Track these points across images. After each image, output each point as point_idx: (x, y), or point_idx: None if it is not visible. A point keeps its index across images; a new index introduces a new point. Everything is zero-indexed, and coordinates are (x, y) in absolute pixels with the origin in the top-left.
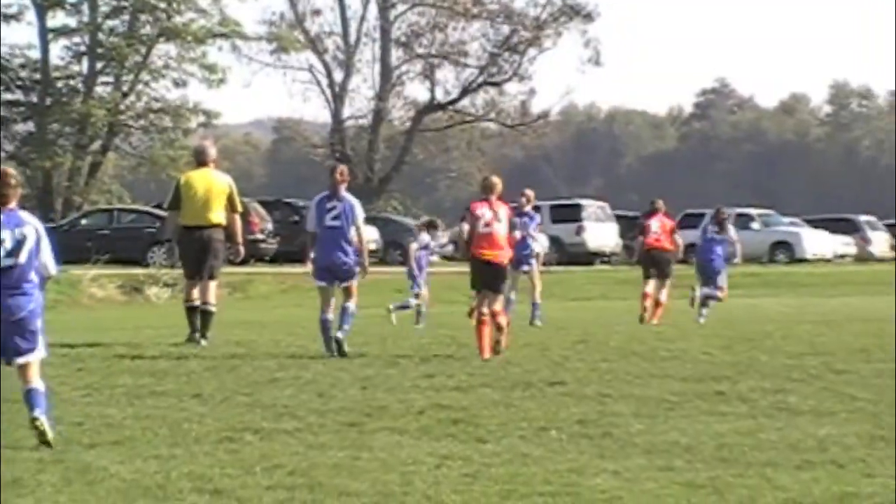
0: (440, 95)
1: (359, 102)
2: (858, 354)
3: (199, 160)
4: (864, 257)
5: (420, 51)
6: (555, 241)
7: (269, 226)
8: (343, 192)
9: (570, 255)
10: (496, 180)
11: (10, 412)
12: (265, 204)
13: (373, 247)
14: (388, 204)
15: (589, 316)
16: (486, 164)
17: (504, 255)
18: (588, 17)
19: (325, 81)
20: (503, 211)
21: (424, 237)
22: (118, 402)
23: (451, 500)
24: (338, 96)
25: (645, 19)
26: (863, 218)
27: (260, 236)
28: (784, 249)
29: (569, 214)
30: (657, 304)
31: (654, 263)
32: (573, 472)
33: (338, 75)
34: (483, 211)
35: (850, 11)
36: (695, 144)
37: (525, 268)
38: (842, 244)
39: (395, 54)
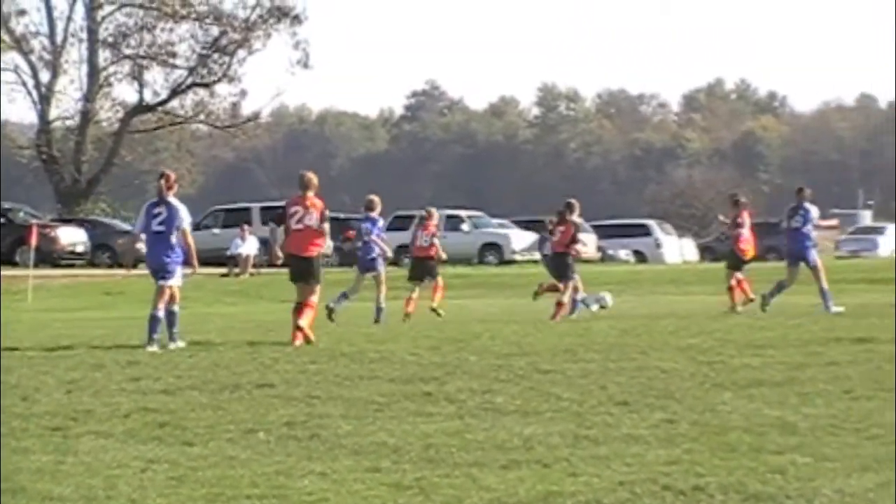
0: (149, 97)
1: (66, 103)
2: (564, 354)
3: None
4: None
5: (128, 52)
6: (265, 242)
7: None
8: (169, 197)
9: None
10: (311, 176)
11: None
12: None
13: (80, 249)
14: (97, 206)
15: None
16: (195, 165)
17: (314, 250)
18: (297, 19)
19: (31, 82)
20: (314, 209)
21: None
22: None
23: (156, 503)
24: (44, 97)
25: (354, 21)
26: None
27: None
28: (493, 251)
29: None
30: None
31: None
32: (280, 475)
33: (44, 76)
34: (296, 208)
35: (558, 14)
36: (405, 146)
37: (371, 273)
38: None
39: (103, 55)
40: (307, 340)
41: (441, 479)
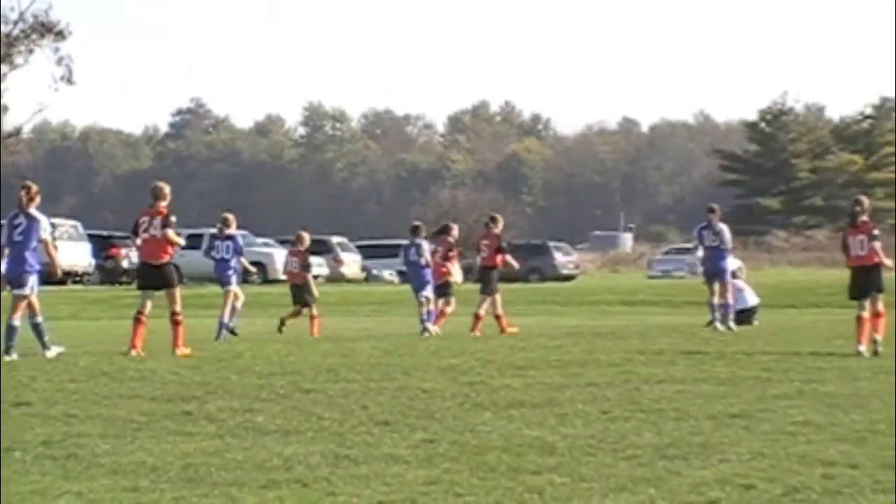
0: None
1: None
2: (326, 374)
3: None
4: (336, 278)
5: None
6: None
7: None
8: (30, 209)
9: (40, 274)
10: (162, 186)
11: None
12: None
13: None
14: None
15: (60, 336)
16: None
17: (163, 259)
18: (60, 35)
19: None
20: (160, 217)
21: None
22: None
23: None
24: None
25: (119, 38)
26: (335, 239)
27: None
28: (258, 270)
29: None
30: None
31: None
32: (36, 494)
33: None
34: (145, 219)
35: (323, 33)
36: (170, 164)
37: (229, 287)
38: (315, 265)
39: None
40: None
41: (200, 499)
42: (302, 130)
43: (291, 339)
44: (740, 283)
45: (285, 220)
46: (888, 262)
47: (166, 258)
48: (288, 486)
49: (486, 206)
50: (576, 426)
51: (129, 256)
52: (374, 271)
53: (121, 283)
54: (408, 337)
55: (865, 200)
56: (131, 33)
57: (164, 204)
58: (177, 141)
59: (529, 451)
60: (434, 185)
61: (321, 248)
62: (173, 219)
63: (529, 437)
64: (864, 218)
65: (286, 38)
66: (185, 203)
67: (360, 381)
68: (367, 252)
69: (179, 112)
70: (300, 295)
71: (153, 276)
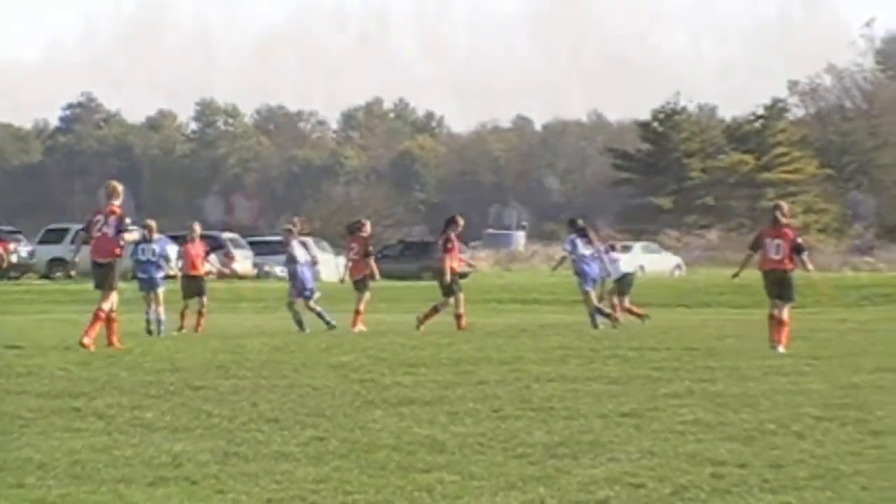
0: None
1: None
2: (216, 371)
3: None
4: (226, 275)
5: None
6: None
7: None
8: None
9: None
10: (115, 185)
11: None
12: None
13: None
14: None
15: None
16: None
17: (109, 258)
18: None
19: None
20: (114, 217)
21: None
22: None
23: None
24: None
25: (9, 31)
26: (226, 235)
27: None
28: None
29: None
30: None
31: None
32: None
33: None
34: (99, 217)
35: (216, 29)
36: (61, 158)
37: (159, 288)
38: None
39: None
40: (83, 345)
41: (87, 496)
42: (194, 125)
43: (181, 335)
44: (615, 254)
45: (179, 216)
46: (810, 267)
47: (111, 258)
48: (176, 483)
49: (379, 202)
50: (466, 424)
51: (18, 251)
52: (266, 268)
53: (9, 279)
54: (298, 334)
55: (785, 205)
56: (22, 27)
57: (117, 203)
58: (67, 135)
59: (420, 449)
60: (327, 181)
61: (213, 244)
62: (128, 220)
63: (420, 435)
64: (785, 221)
65: (178, 33)
66: (75, 198)
67: (250, 378)
68: (259, 249)
69: (70, 106)
70: (198, 287)
71: (97, 274)
